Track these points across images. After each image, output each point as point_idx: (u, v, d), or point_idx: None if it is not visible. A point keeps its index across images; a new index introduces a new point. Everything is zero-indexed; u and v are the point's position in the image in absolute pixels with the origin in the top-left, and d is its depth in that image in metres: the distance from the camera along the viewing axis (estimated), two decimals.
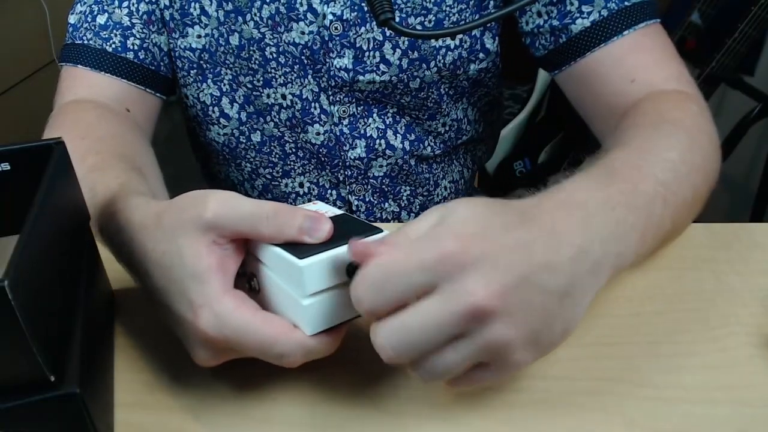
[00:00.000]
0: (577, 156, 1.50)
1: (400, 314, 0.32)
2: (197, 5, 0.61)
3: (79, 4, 0.64)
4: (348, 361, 0.42)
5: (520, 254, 0.32)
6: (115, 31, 0.62)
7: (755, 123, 1.39)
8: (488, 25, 0.63)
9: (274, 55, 0.62)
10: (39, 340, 0.29)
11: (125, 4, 0.62)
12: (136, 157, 0.54)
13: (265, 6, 0.60)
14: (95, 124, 0.56)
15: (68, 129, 0.55)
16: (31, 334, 0.29)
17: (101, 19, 0.62)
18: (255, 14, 0.60)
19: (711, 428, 0.37)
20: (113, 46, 0.62)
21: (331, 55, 0.61)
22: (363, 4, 0.59)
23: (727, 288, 0.48)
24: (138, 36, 0.63)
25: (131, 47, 0.62)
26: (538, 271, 0.32)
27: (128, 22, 0.62)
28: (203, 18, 0.62)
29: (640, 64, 0.56)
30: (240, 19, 0.61)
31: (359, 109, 0.66)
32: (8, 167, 0.38)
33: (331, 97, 0.64)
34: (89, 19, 0.63)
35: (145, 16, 0.63)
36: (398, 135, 0.68)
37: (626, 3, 0.57)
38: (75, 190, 0.41)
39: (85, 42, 0.62)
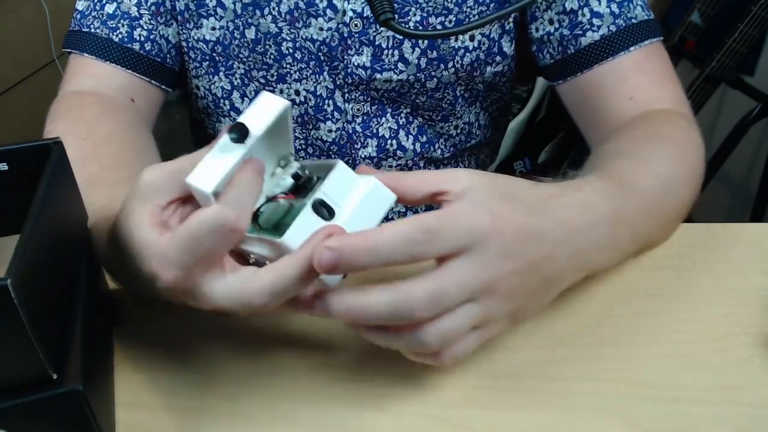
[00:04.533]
0: (577, 156, 1.50)
1: (435, 277, 0.33)
2: None
3: None
4: (348, 361, 0.42)
5: (535, 240, 0.35)
6: (122, 21, 0.62)
7: (755, 123, 1.39)
8: (506, 28, 0.64)
9: (291, 51, 0.62)
10: (41, 339, 0.30)
11: None
12: (136, 160, 0.53)
13: (284, 0, 0.60)
14: (97, 123, 0.56)
15: (70, 127, 0.55)
16: (33, 333, 0.29)
17: (109, 8, 0.62)
18: (273, 8, 0.60)
19: (711, 428, 0.37)
20: (120, 36, 0.62)
21: (349, 52, 0.61)
22: None
23: (727, 288, 0.48)
24: (145, 27, 0.63)
25: (138, 38, 0.62)
26: (544, 260, 0.36)
27: (136, 13, 0.62)
28: (219, 10, 0.62)
29: (640, 84, 0.59)
30: (258, 12, 0.61)
31: (373, 108, 0.66)
32: (6, 167, 0.38)
33: (346, 95, 0.64)
34: (97, 8, 0.62)
35: (153, 7, 0.63)
36: (410, 136, 0.68)
37: (633, 20, 0.59)
38: (74, 190, 0.41)
39: (92, 30, 0.62)
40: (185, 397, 0.40)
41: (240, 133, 0.33)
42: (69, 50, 0.63)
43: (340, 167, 0.35)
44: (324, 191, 0.34)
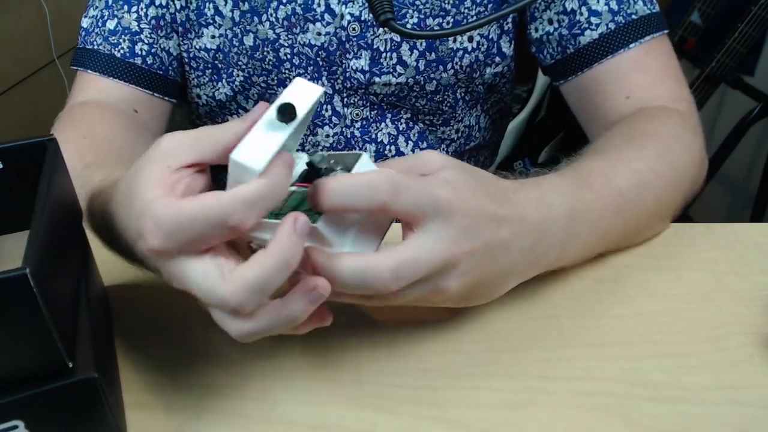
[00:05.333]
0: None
1: (400, 251, 0.34)
2: (211, 5, 0.62)
3: (91, 8, 0.65)
4: (348, 361, 0.42)
5: (494, 225, 0.37)
6: (123, 36, 0.63)
7: (755, 123, 1.39)
8: (505, 28, 0.64)
9: (289, 56, 0.62)
10: (58, 327, 0.30)
11: (134, 8, 0.63)
12: (134, 157, 0.54)
13: (282, 6, 0.60)
14: (97, 124, 0.57)
15: (72, 128, 0.56)
16: (51, 321, 0.29)
17: (111, 24, 0.63)
18: (271, 15, 0.61)
19: (710, 428, 0.37)
20: (121, 51, 0.63)
21: (347, 56, 0.61)
22: None
23: (727, 288, 0.48)
24: (146, 41, 0.63)
25: (139, 53, 0.63)
26: (499, 246, 0.37)
27: (137, 28, 0.63)
28: (217, 18, 0.62)
29: (638, 83, 0.58)
30: (256, 19, 0.61)
31: (373, 113, 0.66)
32: (1, 165, 0.39)
33: (345, 99, 0.64)
34: (99, 24, 0.63)
35: (153, 21, 0.63)
36: (410, 142, 0.68)
37: (633, 16, 0.58)
38: (69, 186, 0.41)
39: (95, 47, 0.63)
40: (185, 397, 0.40)
41: (288, 114, 0.32)
42: (75, 68, 0.64)
43: (364, 160, 0.36)
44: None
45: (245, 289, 0.31)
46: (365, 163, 0.36)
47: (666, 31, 0.60)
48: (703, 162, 0.56)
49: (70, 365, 0.31)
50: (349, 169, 0.36)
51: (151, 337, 0.45)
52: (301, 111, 0.33)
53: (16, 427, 0.31)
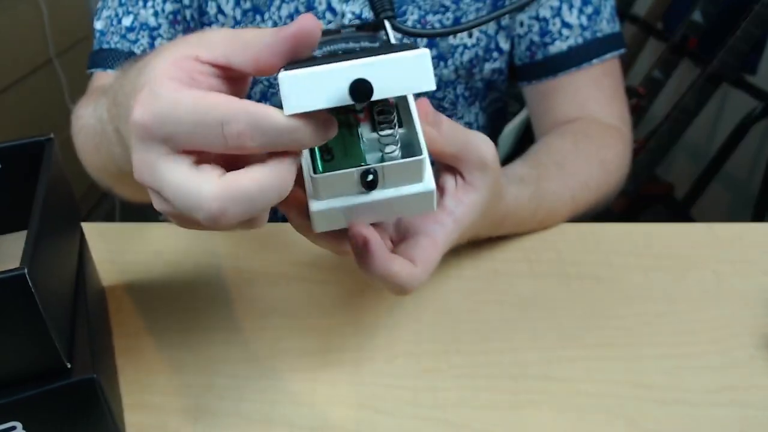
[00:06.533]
0: None
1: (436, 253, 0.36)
2: (214, 4, 0.62)
3: (104, 9, 0.64)
4: (347, 360, 0.42)
5: (494, 218, 0.43)
6: (141, 32, 0.62)
7: (757, 122, 1.39)
8: (502, 24, 0.65)
9: None
10: (56, 328, 0.30)
11: (150, 3, 0.62)
12: None
13: (284, 4, 0.60)
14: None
15: (87, 97, 0.55)
16: (49, 321, 0.29)
17: (127, 21, 0.62)
18: (273, 13, 0.60)
19: (712, 429, 0.37)
20: (141, 47, 0.61)
21: None
22: None
23: (728, 288, 0.48)
24: (165, 36, 0.62)
25: None
26: (483, 227, 0.42)
27: (154, 23, 0.62)
28: (220, 17, 0.62)
29: (594, 97, 0.63)
30: (258, 17, 0.61)
31: None
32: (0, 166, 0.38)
33: None
34: (115, 23, 0.62)
35: (170, 16, 0.62)
36: None
37: (598, 34, 0.62)
38: (68, 187, 0.41)
39: (112, 46, 0.62)
40: (185, 397, 0.40)
41: (362, 95, 0.27)
42: (91, 71, 0.62)
43: (421, 161, 0.32)
44: (388, 169, 0.31)
45: (235, 195, 0.27)
46: (418, 162, 0.32)
47: (623, 50, 0.63)
48: (627, 171, 0.63)
49: (69, 366, 0.31)
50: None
51: (150, 337, 0.45)
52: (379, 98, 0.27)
53: (14, 428, 0.31)
